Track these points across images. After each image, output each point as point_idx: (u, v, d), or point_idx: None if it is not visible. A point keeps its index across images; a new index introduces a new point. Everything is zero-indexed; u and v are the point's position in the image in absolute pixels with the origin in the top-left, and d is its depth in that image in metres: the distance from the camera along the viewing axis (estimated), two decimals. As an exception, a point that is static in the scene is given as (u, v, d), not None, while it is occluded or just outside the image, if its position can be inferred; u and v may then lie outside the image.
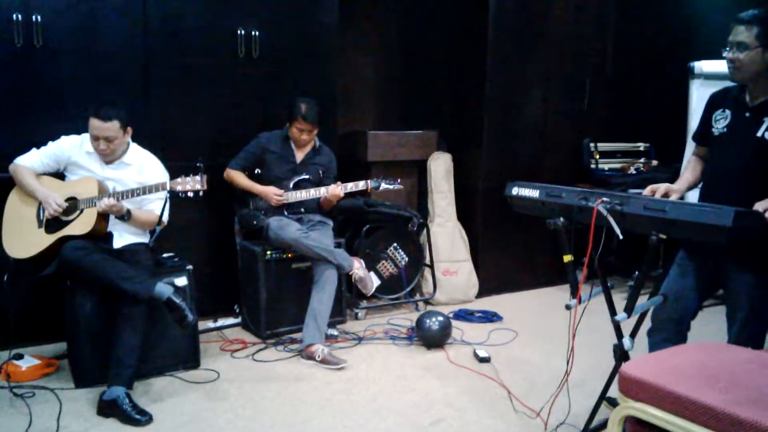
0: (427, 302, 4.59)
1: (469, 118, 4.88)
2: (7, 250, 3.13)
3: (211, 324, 4.10)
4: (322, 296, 3.67)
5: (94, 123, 3.09)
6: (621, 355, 2.49)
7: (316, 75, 4.39)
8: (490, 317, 4.33)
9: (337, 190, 3.82)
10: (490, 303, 4.66)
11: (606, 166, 5.06)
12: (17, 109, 3.54)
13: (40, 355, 3.43)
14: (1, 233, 3.19)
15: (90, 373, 3.18)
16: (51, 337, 3.58)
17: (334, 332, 3.94)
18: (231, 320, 4.17)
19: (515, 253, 5.00)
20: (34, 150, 3.23)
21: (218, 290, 4.24)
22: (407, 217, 4.46)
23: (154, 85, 3.92)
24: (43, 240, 3.08)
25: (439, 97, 5.14)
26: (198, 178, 3.03)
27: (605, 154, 5.10)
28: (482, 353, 3.62)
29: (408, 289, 4.48)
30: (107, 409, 2.89)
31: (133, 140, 3.39)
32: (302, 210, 3.96)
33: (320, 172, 4.02)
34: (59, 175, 3.29)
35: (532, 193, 2.50)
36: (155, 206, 3.26)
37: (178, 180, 3.05)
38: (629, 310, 2.36)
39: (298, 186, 3.93)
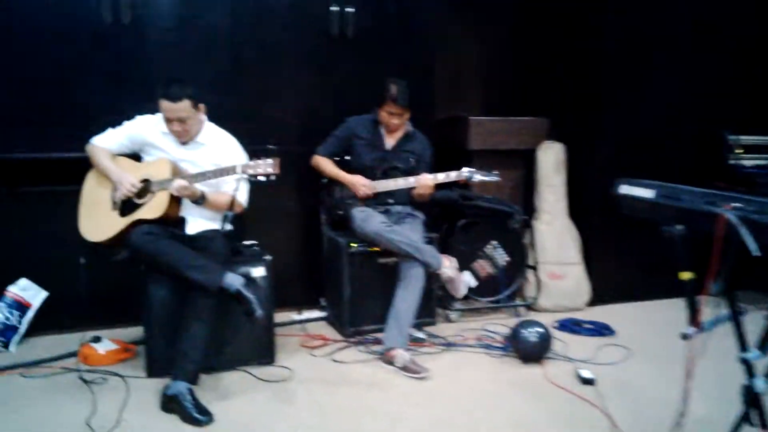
0: (529, 308, 4.15)
1: (585, 104, 4.35)
2: (83, 233, 3.08)
3: (295, 316, 3.92)
4: (407, 296, 3.36)
5: (164, 104, 2.95)
6: (751, 399, 1.98)
7: (415, 57, 4.08)
8: (600, 330, 3.82)
9: (427, 179, 3.49)
10: (602, 313, 4.13)
11: (750, 163, 4.33)
12: (104, 87, 3.51)
13: (119, 339, 3.38)
14: (79, 215, 3.14)
15: (163, 363, 3.06)
16: (133, 319, 3.52)
17: (421, 335, 3.62)
18: (316, 313, 3.97)
19: (635, 258, 4.40)
20: (110, 130, 3.15)
21: (305, 281, 4.06)
22: (509, 213, 4.03)
23: (243, 64, 3.78)
24: (117, 223, 2.99)
25: (551, 81, 4.62)
26: (270, 161, 2.81)
27: (750, 149, 4.37)
28: (586, 374, 3.15)
29: (507, 292, 4.06)
30: (169, 404, 2.75)
31: (220, 120, 3.25)
32: (391, 201, 3.66)
33: (412, 160, 3.70)
34: (136, 156, 3.20)
35: (644, 192, 2.04)
36: (231, 188, 3.05)
37: (250, 163, 2.85)
38: (764, 347, 1.85)
39: (387, 175, 3.63)
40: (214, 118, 3.23)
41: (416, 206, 3.73)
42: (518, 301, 4.15)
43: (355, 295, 3.63)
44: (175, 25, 3.62)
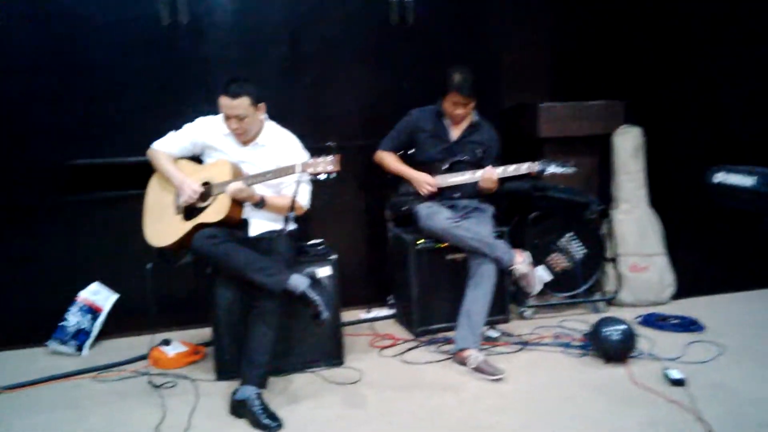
0: (609, 302, 3.91)
1: (666, 84, 4.06)
2: (148, 238, 3.07)
3: (363, 315, 3.83)
4: (477, 294, 3.21)
5: (224, 101, 2.90)
6: None
7: (479, 43, 3.91)
8: (687, 326, 3.55)
9: (491, 173, 3.32)
10: (688, 307, 3.84)
11: None
12: (163, 89, 3.51)
13: (187, 341, 3.37)
14: (144, 220, 3.13)
15: (231, 366, 3.02)
16: (203, 320, 3.49)
17: (494, 334, 3.45)
18: (384, 311, 3.86)
19: (723, 247, 4.09)
20: (171, 133, 3.13)
21: (372, 279, 3.97)
22: (584, 203, 3.80)
23: (301, 59, 3.70)
24: (180, 227, 2.96)
25: (626, 61, 4.34)
26: (330, 158, 2.71)
27: None
28: (675, 374, 2.92)
29: (585, 287, 3.84)
30: (239, 408, 2.70)
31: (280, 118, 3.18)
32: (457, 195, 3.50)
33: (479, 151, 3.53)
34: (197, 158, 3.17)
35: (743, 180, 1.82)
36: (291, 189, 2.97)
37: (309, 161, 2.76)
38: None
39: (453, 168, 3.48)
40: (274, 116, 3.17)
41: (484, 199, 3.56)
42: (597, 296, 3.91)
43: (423, 293, 3.50)
44: (233, 22, 3.57)
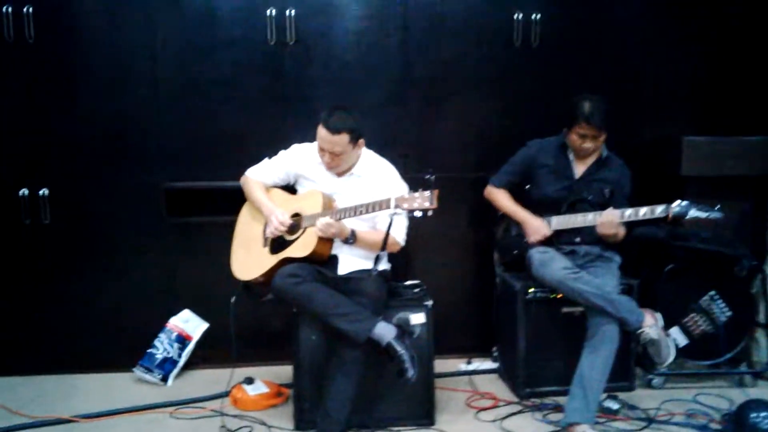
0: (757, 376, 3.27)
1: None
2: (233, 271, 2.89)
3: (462, 366, 3.45)
4: (596, 360, 2.74)
5: (322, 133, 2.67)
6: None
7: (612, 68, 3.46)
8: None
9: (611, 216, 2.86)
10: None
11: None
12: (267, 111, 3.35)
13: (272, 380, 3.16)
14: (231, 251, 2.96)
15: (310, 415, 2.77)
16: (288, 357, 3.24)
17: (614, 405, 2.95)
18: (487, 364, 3.47)
19: None
20: (265, 160, 2.95)
21: (475, 326, 3.60)
22: (734, 256, 3.21)
23: (413, 84, 3.42)
24: (266, 261, 2.75)
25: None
26: (427, 194, 2.38)
27: None
28: None
29: (729, 355, 3.23)
30: (313, 467, 2.43)
31: (385, 147, 2.93)
32: (577, 240, 3.06)
33: (606, 191, 3.06)
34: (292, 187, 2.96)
35: None
36: (385, 224, 2.65)
37: (405, 195, 2.44)
38: None
39: (574, 208, 3.05)
40: (377, 142, 2.93)
41: (609, 246, 3.08)
42: (743, 368, 3.28)
43: (532, 349, 3.08)
44: (344, 44, 3.36)
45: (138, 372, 3.26)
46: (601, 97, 2.97)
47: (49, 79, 3.24)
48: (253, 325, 3.37)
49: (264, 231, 2.83)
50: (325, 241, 2.65)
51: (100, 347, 3.38)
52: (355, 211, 2.57)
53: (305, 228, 2.69)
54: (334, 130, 2.63)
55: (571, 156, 3.09)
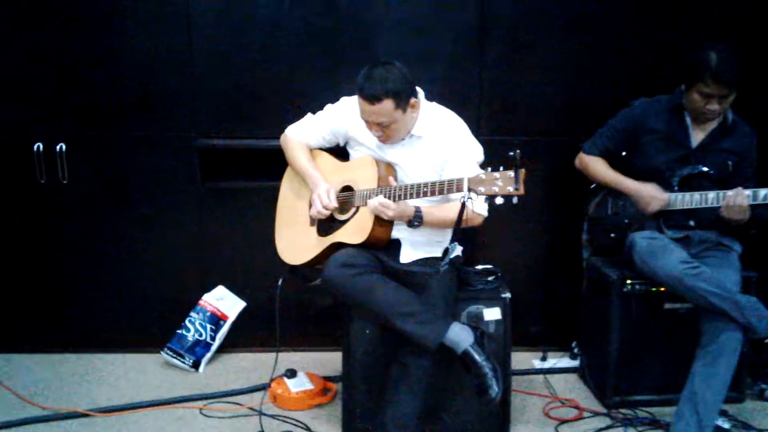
0: None
1: None
2: (279, 252, 2.43)
3: (537, 363, 2.98)
4: (713, 375, 2.24)
5: (361, 103, 2.13)
6: None
7: (743, 8, 2.81)
8: None
9: (741, 199, 2.30)
10: None
11: None
12: (315, 58, 2.82)
13: (317, 373, 2.74)
14: (275, 228, 2.50)
15: (360, 421, 2.36)
16: (338, 343, 2.75)
17: (725, 424, 2.42)
18: (566, 362, 2.98)
19: None
20: (308, 116, 2.44)
21: (552, 315, 3.10)
22: None
23: (489, 29, 2.84)
24: (315, 244, 2.28)
25: None
26: (510, 175, 1.85)
27: None
28: None
29: None
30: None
31: (456, 105, 2.39)
32: (691, 224, 2.50)
33: (730, 163, 2.50)
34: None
35: None
36: (458, 197, 2.07)
37: (482, 176, 1.90)
38: None
39: (688, 184, 2.48)
40: (446, 99, 2.38)
41: (728, 231, 2.52)
42: None
43: (625, 350, 2.59)
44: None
45: (166, 356, 2.87)
46: (731, 46, 2.37)
47: (66, 14, 2.76)
48: (298, 305, 2.95)
49: (310, 206, 2.34)
50: (384, 223, 2.15)
51: (125, 325, 3.00)
52: (418, 190, 2.04)
53: (358, 207, 2.20)
54: (372, 98, 2.08)
55: (688, 120, 2.51)
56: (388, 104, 2.08)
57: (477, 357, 2.01)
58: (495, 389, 1.98)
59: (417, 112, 2.23)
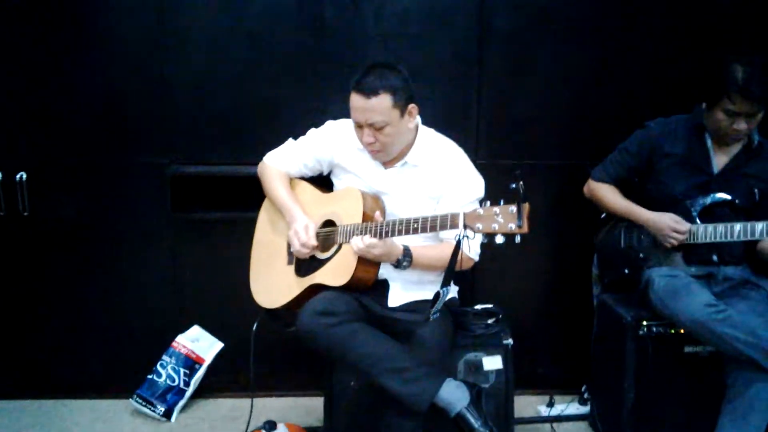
0: None
1: None
2: (253, 294, 2.19)
3: (543, 409, 2.71)
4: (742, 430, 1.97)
5: (354, 100, 1.92)
6: None
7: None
8: None
9: None
10: None
11: None
12: (302, 75, 2.58)
13: (297, 423, 2.48)
14: (250, 266, 2.25)
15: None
16: (318, 387, 2.54)
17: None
18: (574, 408, 2.71)
19: None
20: (289, 142, 2.22)
21: (560, 355, 2.84)
22: None
23: (490, 41, 2.60)
24: (293, 286, 2.04)
25: None
26: (512, 210, 1.60)
27: None
28: None
29: None
30: None
31: (451, 125, 2.17)
32: (715, 259, 2.24)
33: (757, 190, 2.24)
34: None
35: None
36: (453, 235, 1.84)
37: (479, 211, 1.65)
38: None
39: (710, 214, 2.23)
40: (440, 119, 2.15)
41: (758, 267, 2.26)
42: None
43: (641, 397, 2.32)
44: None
45: (135, 404, 2.61)
46: (759, 57, 2.12)
47: (32, 35, 2.53)
48: (280, 344, 2.68)
49: (288, 243, 2.08)
50: (369, 263, 1.90)
51: (92, 368, 2.74)
52: (408, 226, 1.80)
53: (341, 244, 1.95)
54: (369, 90, 1.88)
55: (709, 142, 2.26)
56: (385, 100, 1.88)
57: (473, 421, 1.76)
58: (493, 456, 1.72)
59: (413, 126, 2.01)
